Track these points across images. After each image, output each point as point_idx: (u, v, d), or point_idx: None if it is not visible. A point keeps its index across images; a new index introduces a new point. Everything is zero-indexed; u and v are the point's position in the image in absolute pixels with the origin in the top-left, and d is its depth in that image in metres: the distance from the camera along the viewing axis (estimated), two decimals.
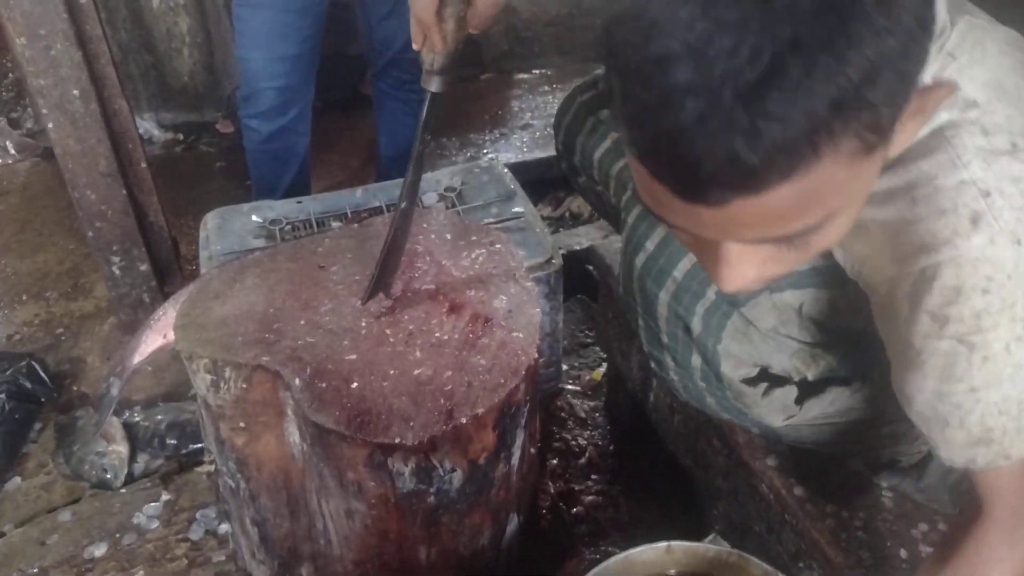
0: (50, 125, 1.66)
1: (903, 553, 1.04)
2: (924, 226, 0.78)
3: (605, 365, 1.93)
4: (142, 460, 1.72)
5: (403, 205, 1.20)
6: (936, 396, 0.81)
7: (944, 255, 0.76)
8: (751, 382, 1.07)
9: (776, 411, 1.06)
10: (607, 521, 1.59)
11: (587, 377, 1.93)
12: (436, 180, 1.84)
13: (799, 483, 1.13)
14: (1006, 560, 0.84)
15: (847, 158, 0.59)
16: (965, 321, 0.77)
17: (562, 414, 1.84)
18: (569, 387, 1.90)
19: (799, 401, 1.06)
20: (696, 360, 1.10)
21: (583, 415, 1.84)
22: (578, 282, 2.06)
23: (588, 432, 1.80)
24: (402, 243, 1.24)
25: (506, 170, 1.89)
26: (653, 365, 1.20)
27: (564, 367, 1.93)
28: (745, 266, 0.69)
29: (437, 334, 1.18)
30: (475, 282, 1.28)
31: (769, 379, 1.07)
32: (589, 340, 2.05)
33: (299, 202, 1.79)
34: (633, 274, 1.14)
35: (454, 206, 1.75)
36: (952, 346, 0.78)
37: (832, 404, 1.07)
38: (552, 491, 1.64)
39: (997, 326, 0.76)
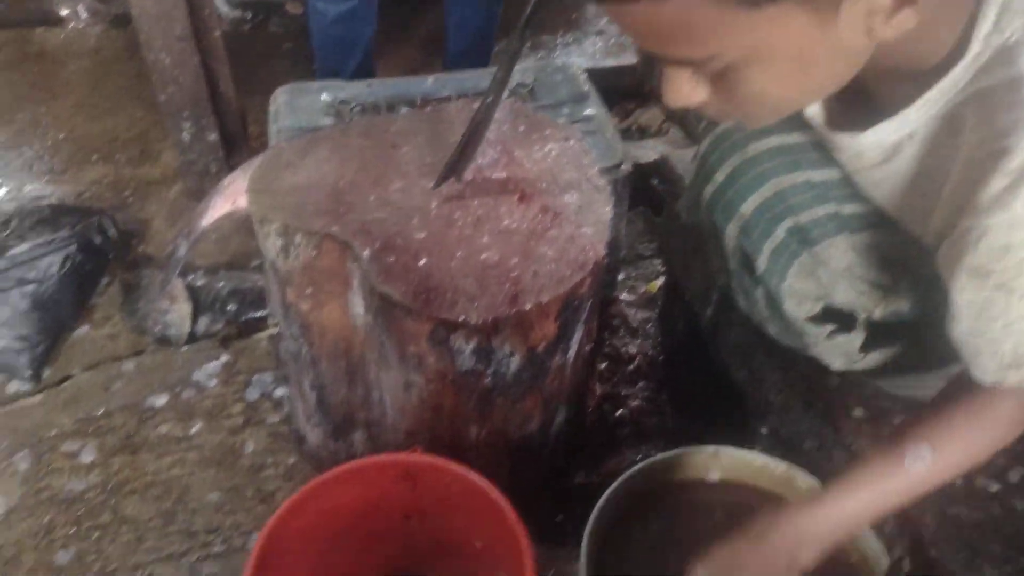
0: None
1: (959, 482, 1.04)
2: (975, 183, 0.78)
3: (662, 279, 1.92)
4: (203, 322, 1.78)
5: (490, 98, 1.18)
6: (970, 332, 0.83)
7: (995, 219, 0.76)
8: (816, 321, 1.06)
9: (838, 355, 1.06)
10: (651, 427, 1.61)
11: (642, 289, 1.93)
12: None
13: (859, 404, 1.13)
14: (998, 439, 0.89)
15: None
16: (1008, 271, 0.78)
17: (614, 322, 1.84)
18: (624, 297, 1.90)
19: (864, 349, 1.05)
20: (760, 292, 1.09)
21: (635, 325, 1.84)
22: (641, 195, 2.03)
23: (639, 341, 1.80)
24: (481, 134, 1.22)
25: (581, 72, 1.84)
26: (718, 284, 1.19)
27: (620, 276, 1.92)
28: (675, 83, 0.77)
29: (506, 222, 1.18)
30: (546, 175, 1.26)
31: (835, 320, 1.06)
32: (647, 253, 2.03)
33: (369, 85, 1.77)
34: (701, 204, 1.13)
35: (526, 102, 1.71)
36: (991, 294, 0.79)
37: (896, 355, 1.06)
38: (599, 393, 1.66)
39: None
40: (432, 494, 1.15)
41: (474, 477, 1.09)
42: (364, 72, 2.21)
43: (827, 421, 1.17)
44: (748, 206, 1.08)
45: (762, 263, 1.06)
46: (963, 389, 0.90)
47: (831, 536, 0.95)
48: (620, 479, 1.13)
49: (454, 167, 1.21)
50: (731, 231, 1.11)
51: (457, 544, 1.19)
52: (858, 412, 1.13)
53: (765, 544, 0.96)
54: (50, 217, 1.85)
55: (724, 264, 1.17)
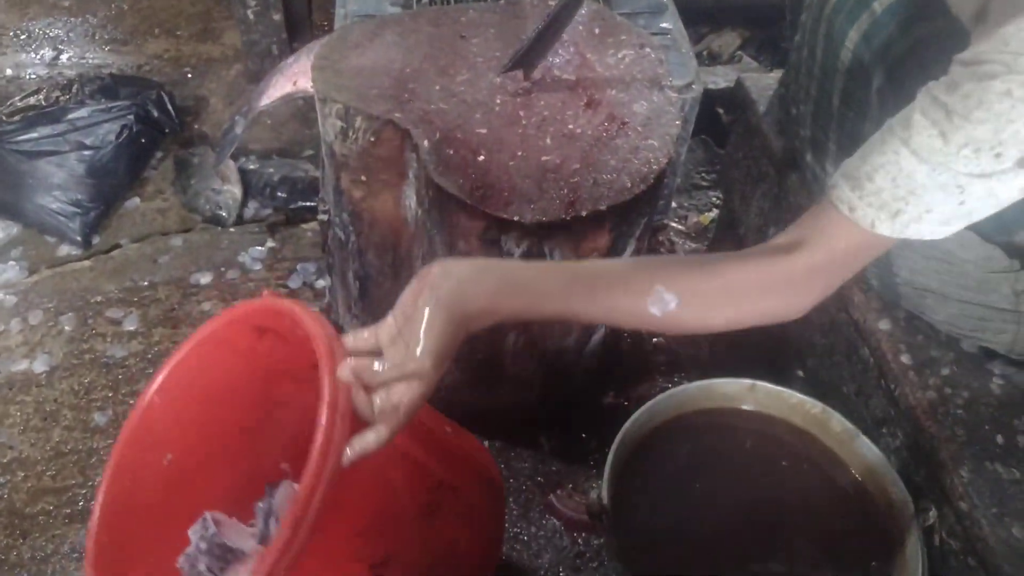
0: None
1: (999, 439, 1.01)
2: None
3: (715, 211, 1.88)
4: (252, 206, 1.79)
5: None
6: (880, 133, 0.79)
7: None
8: None
9: None
10: (686, 357, 1.59)
11: (694, 219, 1.89)
12: None
13: (907, 351, 1.10)
14: (763, 305, 0.83)
15: None
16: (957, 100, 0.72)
17: (662, 250, 1.81)
18: (674, 225, 1.86)
19: None
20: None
21: (683, 254, 1.81)
22: (705, 122, 1.96)
23: None
24: (557, 32, 1.18)
25: None
26: (809, 157, 1.16)
27: (673, 205, 1.88)
28: None
29: (571, 126, 1.14)
30: (617, 82, 1.22)
31: None
32: (704, 183, 1.98)
33: None
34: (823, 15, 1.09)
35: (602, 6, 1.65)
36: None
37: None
38: None
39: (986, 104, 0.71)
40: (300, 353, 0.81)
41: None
42: None
43: (871, 366, 1.15)
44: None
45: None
46: (740, 261, 0.84)
47: (520, 318, 0.82)
48: (651, 401, 1.13)
49: (523, 59, 1.17)
50: (853, 36, 1.08)
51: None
52: (905, 359, 1.10)
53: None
54: (111, 86, 1.85)
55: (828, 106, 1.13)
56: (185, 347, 0.91)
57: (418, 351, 0.73)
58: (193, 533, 0.93)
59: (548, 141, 1.12)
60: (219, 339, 0.91)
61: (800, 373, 1.43)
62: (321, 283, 1.64)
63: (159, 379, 0.90)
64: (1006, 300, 1.07)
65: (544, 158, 1.10)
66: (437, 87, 1.17)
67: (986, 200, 0.75)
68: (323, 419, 0.71)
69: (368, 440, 0.74)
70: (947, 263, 1.09)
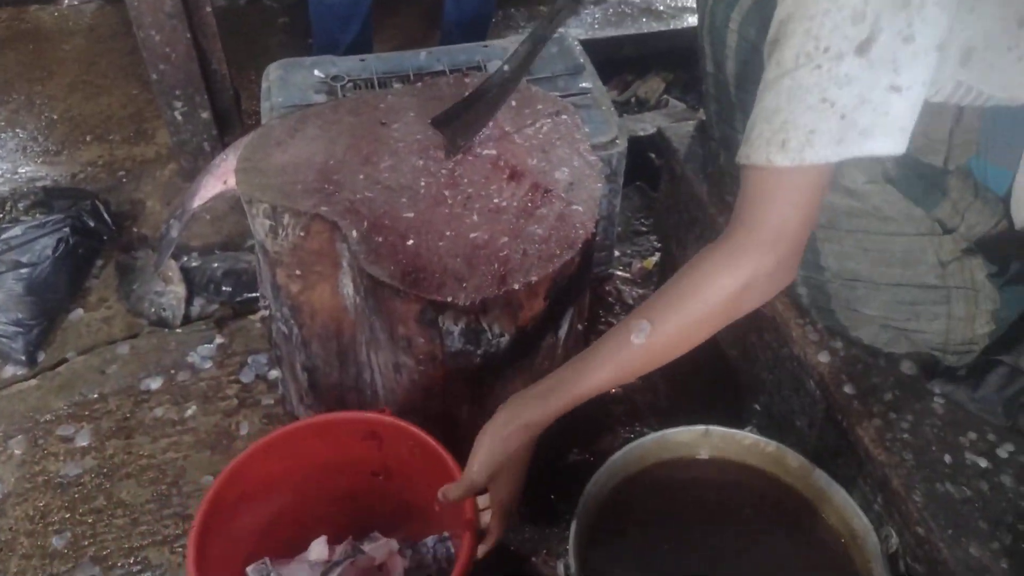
0: None
1: (947, 458, 1.03)
2: None
3: (658, 255, 1.91)
4: (198, 304, 1.78)
5: (507, 69, 1.18)
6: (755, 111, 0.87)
7: None
8: None
9: None
10: (644, 405, 1.60)
11: (638, 265, 1.92)
12: (503, 48, 1.78)
13: (849, 381, 1.12)
14: (719, 286, 0.90)
15: None
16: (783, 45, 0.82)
17: (610, 299, 1.83)
18: (619, 273, 1.89)
19: None
20: None
21: (631, 302, 1.83)
22: (638, 169, 2.01)
23: None
24: (494, 108, 1.21)
25: (576, 43, 1.82)
26: (723, 159, 1.24)
27: (616, 253, 1.91)
28: None
29: (496, 200, 1.17)
30: (537, 151, 1.25)
31: None
32: (644, 228, 2.02)
33: (362, 59, 1.75)
34: (706, 10, 1.16)
35: None
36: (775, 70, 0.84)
37: None
38: None
39: (794, 34, 0.81)
40: (397, 455, 1.18)
41: (432, 442, 1.12)
42: (362, 44, 2.19)
43: (818, 399, 1.17)
44: None
45: None
46: (688, 265, 0.94)
47: (567, 408, 1.03)
48: (610, 459, 1.13)
49: (460, 131, 1.20)
50: (735, 17, 1.12)
51: (419, 506, 1.21)
52: (848, 388, 1.12)
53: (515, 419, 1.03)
54: (44, 199, 1.84)
55: (725, 92, 1.19)
56: (301, 423, 1.20)
57: (473, 468, 1.02)
58: (253, 572, 1.14)
59: (475, 218, 1.14)
60: (333, 426, 1.18)
61: (757, 407, 1.45)
62: (274, 373, 1.63)
63: (271, 437, 1.15)
64: (933, 273, 1.10)
65: (472, 235, 1.12)
66: (361, 176, 1.19)
67: (862, 106, 0.80)
68: (467, 538, 1.04)
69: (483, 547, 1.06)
70: (872, 233, 1.10)
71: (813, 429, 1.20)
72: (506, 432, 1.02)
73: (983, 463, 1.03)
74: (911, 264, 1.11)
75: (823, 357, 1.16)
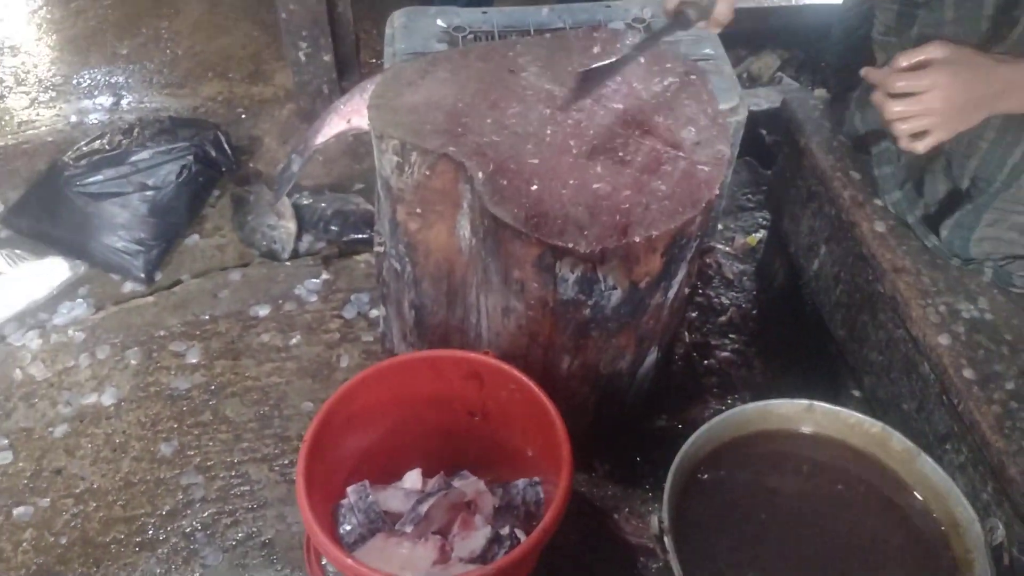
0: None
1: None
2: None
3: (763, 232, 1.88)
4: (307, 240, 1.84)
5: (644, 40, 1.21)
6: None
7: None
8: None
9: None
10: (739, 379, 1.59)
11: (741, 241, 1.89)
12: (625, 9, 1.77)
13: (970, 366, 1.09)
14: None
15: None
16: None
17: (709, 272, 1.82)
18: (721, 247, 1.87)
19: None
20: None
21: (731, 276, 1.81)
22: (748, 144, 1.97)
23: (733, 293, 1.78)
24: (619, 67, 1.22)
25: None
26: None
27: (719, 227, 1.89)
28: None
29: (620, 153, 1.17)
30: (665, 109, 1.24)
31: None
32: (750, 204, 1.99)
33: (484, 12, 1.76)
34: None
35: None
36: None
37: None
38: (688, 341, 1.66)
39: None
40: (496, 397, 1.21)
41: (535, 388, 1.14)
42: None
43: (931, 383, 1.14)
44: None
45: None
46: None
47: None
48: (711, 422, 1.13)
49: (585, 83, 1.21)
50: None
51: (513, 449, 1.25)
52: (968, 373, 1.09)
53: (990, 67, 1.03)
54: (169, 128, 1.92)
55: None
56: (409, 356, 1.25)
57: None
58: (352, 492, 1.18)
59: (599, 169, 1.14)
60: (437, 362, 1.22)
61: (856, 393, 1.43)
62: (375, 312, 1.68)
63: (380, 366, 1.20)
64: None
65: (596, 185, 1.12)
66: (489, 120, 1.20)
67: None
68: (563, 479, 1.06)
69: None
70: None
71: (922, 413, 1.17)
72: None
73: None
74: None
75: (943, 339, 1.13)
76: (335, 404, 1.15)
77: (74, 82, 2.32)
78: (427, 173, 1.17)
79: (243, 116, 2.18)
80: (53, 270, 1.74)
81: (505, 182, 1.11)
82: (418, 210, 1.22)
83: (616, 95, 1.26)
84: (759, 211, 1.94)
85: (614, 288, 1.13)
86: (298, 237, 1.83)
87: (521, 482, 1.24)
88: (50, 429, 1.50)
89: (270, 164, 2.02)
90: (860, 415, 1.15)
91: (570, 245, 1.05)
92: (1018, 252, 1.17)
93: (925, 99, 1.02)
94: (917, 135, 1.05)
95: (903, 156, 1.25)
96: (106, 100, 2.26)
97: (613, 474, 1.45)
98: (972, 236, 1.19)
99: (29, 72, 2.36)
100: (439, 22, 1.72)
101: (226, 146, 1.94)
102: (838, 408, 1.16)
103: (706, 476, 1.14)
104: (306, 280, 1.75)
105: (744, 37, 2.56)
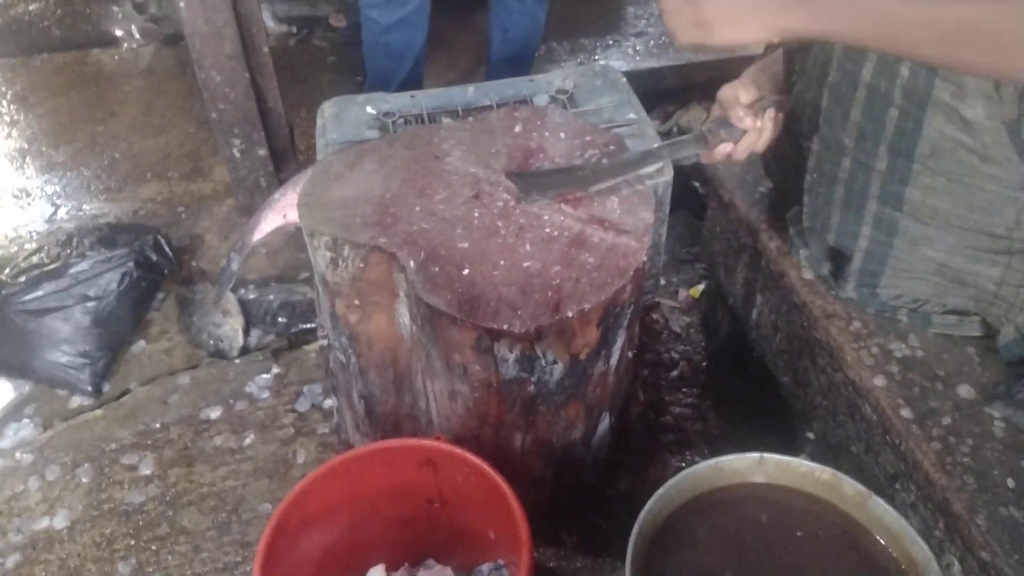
0: (182, 4, 1.71)
1: (1011, 483, 1.02)
2: None
3: (704, 282, 1.92)
4: (255, 335, 1.83)
5: (606, 162, 1.25)
6: None
7: None
8: None
9: None
10: (695, 433, 1.61)
11: (684, 293, 1.93)
12: (548, 81, 1.82)
13: (907, 405, 1.12)
14: None
15: None
16: None
17: (656, 327, 1.84)
18: (666, 302, 1.90)
19: None
20: None
21: (678, 330, 1.84)
22: (683, 198, 2.03)
23: (681, 346, 1.80)
24: (576, 182, 1.25)
25: (620, 75, 1.85)
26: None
27: (662, 282, 1.92)
28: None
29: (547, 230, 1.19)
30: None
31: None
32: (689, 257, 2.03)
33: (412, 96, 1.81)
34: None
35: (565, 108, 1.73)
36: None
37: None
38: (642, 399, 1.67)
39: None
40: (452, 482, 1.20)
41: (488, 470, 1.14)
42: (414, 79, 2.25)
43: (874, 424, 1.16)
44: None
45: None
46: None
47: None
48: (664, 486, 1.13)
49: (539, 184, 1.24)
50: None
51: (473, 533, 1.23)
52: (905, 412, 1.12)
53: None
54: (108, 235, 1.92)
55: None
56: (360, 450, 1.22)
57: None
58: None
59: (528, 247, 1.16)
60: (389, 453, 1.21)
61: (811, 435, 1.44)
62: (328, 403, 1.67)
63: (332, 463, 1.18)
64: (1005, 226, 1.10)
65: (526, 264, 1.14)
66: (418, 208, 1.22)
67: None
68: (524, 563, 1.07)
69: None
70: (968, 174, 1.08)
71: (870, 455, 1.19)
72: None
73: None
74: (991, 213, 1.10)
75: (879, 381, 1.15)
76: (288, 508, 1.13)
77: (10, 195, 2.31)
78: (361, 266, 1.19)
79: (183, 215, 2.19)
80: None
81: (437, 269, 1.13)
82: (356, 302, 1.23)
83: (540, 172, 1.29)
84: (699, 262, 1.98)
85: (555, 363, 1.14)
86: (246, 333, 1.82)
87: (486, 567, 1.24)
88: (1, 560, 1.45)
89: (213, 262, 2.01)
90: (810, 463, 1.16)
91: (505, 327, 1.07)
92: (942, 286, 1.21)
93: None
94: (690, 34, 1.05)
95: (804, 219, 1.28)
96: (43, 210, 2.25)
97: (581, 545, 1.44)
98: (879, 281, 1.22)
99: None
100: (368, 109, 1.76)
101: (167, 248, 1.94)
102: (788, 458, 1.18)
103: (666, 541, 1.13)
104: (256, 376, 1.74)
105: (672, 93, 2.65)
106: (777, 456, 1.18)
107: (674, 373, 1.73)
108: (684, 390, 1.69)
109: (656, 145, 1.37)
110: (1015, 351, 1.16)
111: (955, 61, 0.96)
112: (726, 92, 1.23)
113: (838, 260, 1.26)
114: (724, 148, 1.22)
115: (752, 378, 1.60)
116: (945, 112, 1.04)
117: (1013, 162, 1.05)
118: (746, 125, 1.20)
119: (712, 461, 1.19)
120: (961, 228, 1.12)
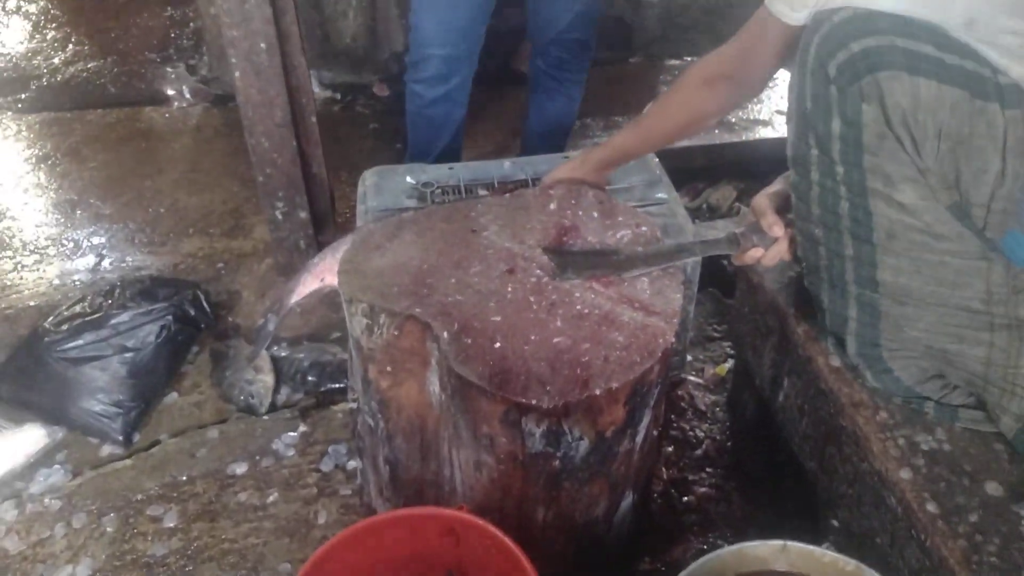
0: (237, 75, 1.80)
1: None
2: None
3: (731, 361, 1.93)
4: (284, 392, 1.86)
5: (641, 250, 1.34)
6: None
7: None
8: None
9: None
10: (718, 514, 1.59)
11: (711, 371, 1.93)
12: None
13: (933, 499, 1.11)
14: (697, 102, 1.39)
15: None
16: None
17: (682, 404, 1.84)
18: (692, 379, 1.91)
19: None
20: None
21: (703, 408, 1.84)
22: (711, 276, 2.05)
23: (707, 425, 1.80)
24: (610, 267, 1.30)
25: (652, 154, 1.90)
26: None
27: (688, 358, 1.93)
28: None
29: (579, 307, 1.22)
30: None
31: None
32: (716, 334, 2.04)
33: (451, 168, 1.87)
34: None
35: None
36: None
37: None
38: (666, 478, 1.66)
39: None
40: (473, 553, 1.20)
41: (509, 543, 1.13)
42: (453, 151, 2.33)
43: (899, 516, 1.15)
44: None
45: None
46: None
47: (610, 154, 1.54)
48: (686, 571, 1.13)
49: (576, 265, 1.29)
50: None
51: None
52: (931, 507, 1.11)
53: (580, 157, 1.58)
54: (149, 288, 1.98)
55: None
56: (383, 516, 1.23)
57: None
58: None
59: (559, 323, 1.19)
60: (412, 520, 1.21)
61: (835, 523, 1.43)
62: (352, 464, 1.68)
63: (355, 528, 1.18)
64: (979, 299, 1.13)
65: (556, 340, 1.17)
66: (453, 280, 1.26)
67: None
68: None
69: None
70: (926, 251, 1.13)
71: (895, 548, 1.18)
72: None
73: None
74: (960, 286, 1.14)
75: (905, 473, 1.15)
76: (311, 571, 1.14)
77: (58, 244, 2.39)
78: (395, 333, 1.22)
79: (223, 271, 2.25)
80: (31, 437, 1.74)
81: (469, 340, 1.16)
82: (388, 368, 1.26)
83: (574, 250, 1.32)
84: (726, 340, 1.99)
85: (581, 439, 1.16)
86: (276, 390, 1.85)
87: None
88: None
89: (248, 318, 2.06)
90: (834, 553, 1.16)
91: (533, 401, 1.09)
92: (938, 368, 1.22)
93: None
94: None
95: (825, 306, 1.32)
96: (88, 261, 2.32)
97: None
98: (884, 363, 1.25)
99: (14, 236, 2.43)
100: (408, 179, 1.82)
101: (204, 304, 1.99)
102: (812, 547, 1.17)
103: None
104: (283, 434, 1.76)
105: (702, 171, 2.70)
106: (800, 545, 1.17)
107: (698, 452, 1.73)
108: (708, 470, 1.69)
109: (690, 240, 1.47)
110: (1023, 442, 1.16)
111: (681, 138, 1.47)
112: (759, 201, 1.31)
113: (841, 345, 1.29)
114: (755, 253, 1.29)
115: (778, 462, 1.59)
116: (884, 199, 1.11)
117: (964, 235, 1.10)
118: (775, 233, 1.26)
119: (735, 547, 1.18)
120: (937, 305, 1.16)
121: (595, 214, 1.40)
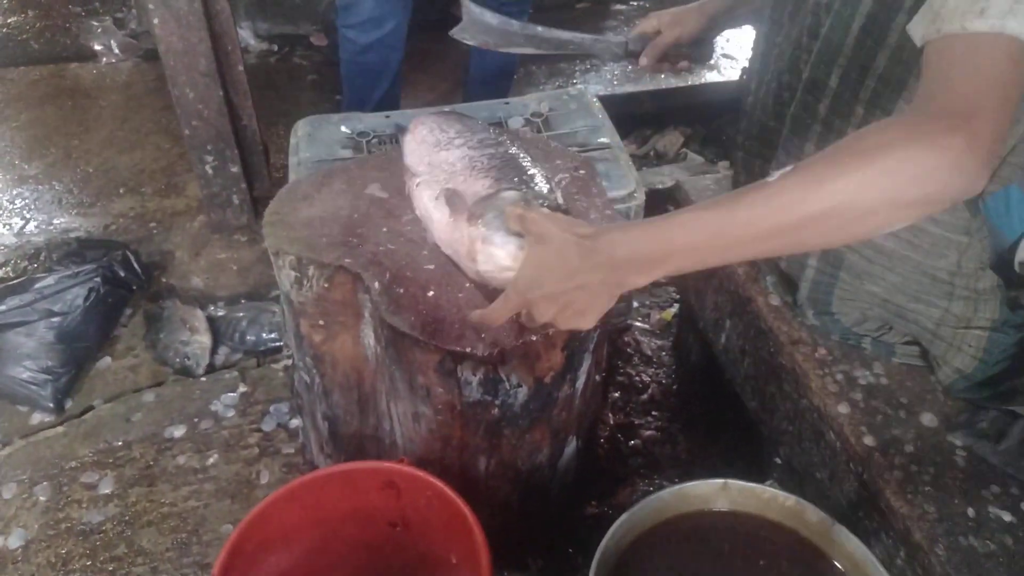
0: (155, 22, 1.71)
1: (971, 512, 1.02)
2: None
3: (676, 307, 1.92)
4: (223, 353, 1.81)
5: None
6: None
7: None
8: None
9: None
10: (664, 457, 1.60)
11: (657, 317, 1.93)
12: (523, 104, 1.83)
13: (870, 432, 1.12)
14: (895, 155, 0.72)
15: None
16: None
17: (628, 350, 1.84)
18: (638, 324, 1.90)
19: None
20: None
21: (649, 353, 1.84)
22: None
23: (652, 370, 1.80)
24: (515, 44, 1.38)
25: (595, 99, 1.86)
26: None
27: (635, 304, 1.92)
28: None
29: None
30: None
31: None
32: (662, 280, 2.03)
33: (387, 116, 1.81)
34: None
35: (540, 132, 1.73)
36: None
37: None
38: (612, 423, 1.66)
39: None
40: (415, 506, 1.19)
41: (450, 493, 1.12)
42: (390, 100, 2.26)
43: (838, 451, 1.16)
44: None
45: None
46: (849, 139, 0.79)
47: (663, 257, 0.83)
48: (627, 512, 1.13)
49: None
50: None
51: (437, 558, 1.21)
52: (868, 440, 1.12)
53: (594, 254, 0.85)
54: (76, 250, 1.90)
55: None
56: (321, 472, 1.19)
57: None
58: None
59: None
60: (351, 475, 1.19)
61: (777, 460, 1.44)
62: (294, 422, 1.64)
63: (292, 485, 1.16)
64: (947, 270, 1.13)
65: (491, 287, 1.13)
66: (384, 229, 1.22)
67: None
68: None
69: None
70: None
71: (834, 481, 1.19)
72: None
73: (1007, 517, 1.01)
74: (933, 256, 1.13)
75: (843, 408, 1.15)
76: (246, 530, 1.11)
77: None
78: (326, 286, 1.18)
79: (155, 231, 2.17)
80: None
81: (402, 290, 1.12)
82: (320, 322, 1.22)
83: None
84: (671, 286, 1.98)
85: (519, 386, 1.13)
86: (213, 351, 1.80)
87: None
88: None
89: (183, 278, 1.99)
90: (774, 490, 1.16)
91: (468, 349, 1.06)
92: (885, 318, 1.22)
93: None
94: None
95: None
96: (13, 224, 2.22)
97: (547, 569, 1.43)
98: (831, 307, 1.24)
99: None
100: (343, 128, 1.75)
101: (135, 264, 1.92)
102: (752, 485, 1.17)
103: (628, 568, 1.13)
104: (223, 395, 1.71)
105: (649, 117, 2.67)
106: (741, 483, 1.17)
107: (644, 396, 1.73)
108: (654, 413, 1.69)
109: (584, 36, 1.42)
110: (959, 390, 1.18)
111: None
112: (649, 23, 1.38)
113: (792, 287, 1.28)
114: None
115: (721, 403, 1.60)
116: None
117: (958, 207, 1.08)
118: (641, 64, 1.37)
119: (676, 487, 1.18)
120: (906, 268, 1.15)
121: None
